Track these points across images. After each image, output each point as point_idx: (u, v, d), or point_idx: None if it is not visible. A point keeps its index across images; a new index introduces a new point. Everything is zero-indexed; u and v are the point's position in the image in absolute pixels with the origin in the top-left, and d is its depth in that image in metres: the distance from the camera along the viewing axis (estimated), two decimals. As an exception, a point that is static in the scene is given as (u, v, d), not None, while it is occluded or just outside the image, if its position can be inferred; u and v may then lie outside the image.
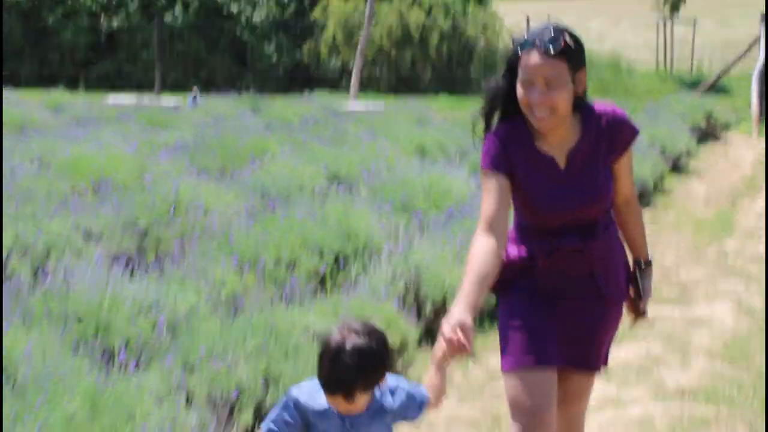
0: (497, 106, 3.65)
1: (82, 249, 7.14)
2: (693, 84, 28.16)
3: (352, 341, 3.14)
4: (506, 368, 3.62)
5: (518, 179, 3.63)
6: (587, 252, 3.65)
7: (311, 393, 3.22)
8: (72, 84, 28.05)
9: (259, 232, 7.16)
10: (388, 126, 14.94)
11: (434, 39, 28.39)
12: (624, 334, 6.65)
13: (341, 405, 3.17)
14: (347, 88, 26.84)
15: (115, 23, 29.60)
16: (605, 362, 3.82)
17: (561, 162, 3.65)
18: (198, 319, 5.56)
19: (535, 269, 3.66)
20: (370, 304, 6.06)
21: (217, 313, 5.83)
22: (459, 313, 3.33)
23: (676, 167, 13.86)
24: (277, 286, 6.59)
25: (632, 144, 3.69)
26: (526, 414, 3.58)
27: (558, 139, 3.63)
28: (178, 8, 29.46)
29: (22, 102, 18.36)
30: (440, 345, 3.29)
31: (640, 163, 11.80)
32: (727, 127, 18.43)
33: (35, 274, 6.65)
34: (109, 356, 4.99)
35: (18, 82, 27.17)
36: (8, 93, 20.27)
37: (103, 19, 29.66)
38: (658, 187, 12.43)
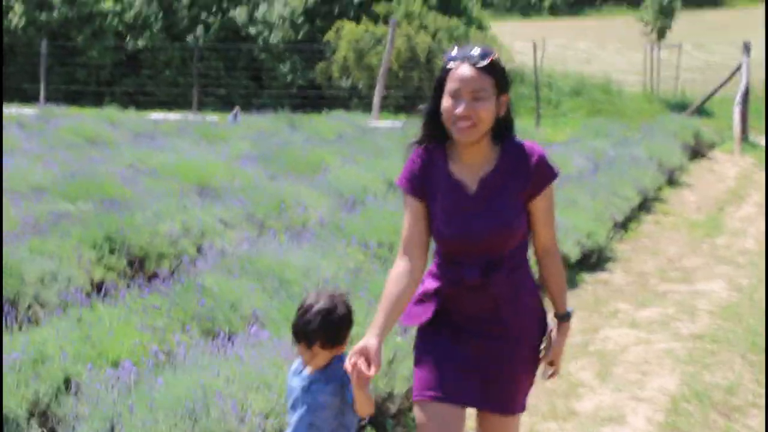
0: (432, 132, 3.67)
1: (222, 233, 9.19)
2: (677, 106, 30.23)
3: (321, 302, 3.62)
4: (413, 397, 3.72)
5: (430, 202, 3.67)
6: (489, 288, 3.62)
7: (297, 359, 3.77)
8: (97, 101, 30.03)
9: (362, 221, 9.21)
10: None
11: (440, 61, 30.45)
12: (646, 300, 8.79)
13: (305, 356, 3.64)
14: (358, 108, 28.90)
15: (140, 43, 31.53)
16: (522, 408, 3.75)
17: (471, 187, 3.65)
18: (335, 280, 7.61)
19: (446, 302, 3.67)
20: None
21: (346, 278, 7.86)
22: (365, 338, 3.49)
23: (671, 180, 15.98)
24: (381, 261, 8.62)
25: (549, 185, 3.67)
26: None
27: (473, 162, 3.65)
28: (200, 29, 31.46)
29: (77, 116, 20.32)
30: (350, 367, 3.45)
31: (640, 174, 13.95)
32: (712, 146, 20.60)
33: (198, 250, 8.71)
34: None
35: (45, 99, 29.13)
36: (59, 109, 22.27)
37: (128, 39, 31.58)
38: (656, 196, 14.56)
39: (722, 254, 11.03)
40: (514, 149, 3.64)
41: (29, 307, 6.79)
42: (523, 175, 3.61)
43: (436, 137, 3.65)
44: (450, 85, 3.56)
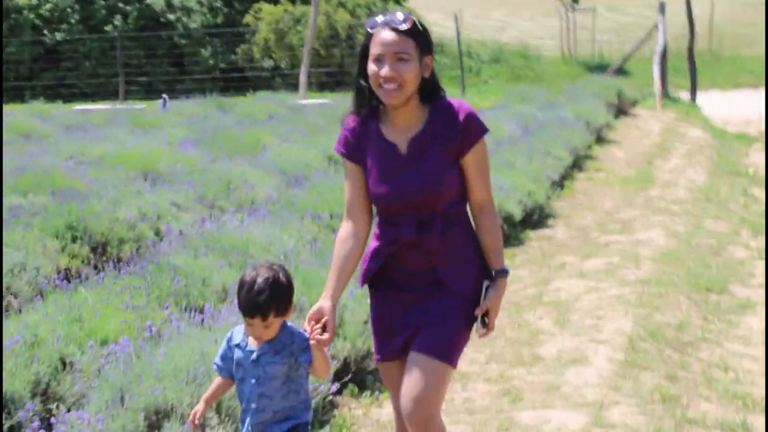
0: (362, 100, 3.76)
1: (177, 215, 9.39)
2: (596, 67, 30.86)
3: (263, 274, 3.65)
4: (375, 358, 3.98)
5: (366, 165, 3.77)
6: (424, 245, 3.72)
7: (237, 331, 3.79)
8: (17, 96, 29.80)
9: (312, 196, 9.47)
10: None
11: (360, 38, 30.72)
12: (590, 251, 9.18)
13: (257, 330, 3.66)
14: (281, 87, 29.05)
15: (57, 36, 31.28)
16: (452, 362, 3.72)
17: (402, 148, 3.74)
18: (297, 252, 7.87)
19: (387, 261, 3.77)
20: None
21: (306, 250, 8.13)
22: (319, 301, 3.67)
23: (599, 138, 16.46)
24: (334, 231, 8.89)
25: (479, 141, 3.73)
26: (391, 394, 3.94)
27: (403, 124, 3.75)
28: (118, 19, 31.30)
29: (6, 112, 20.22)
30: (307, 331, 3.63)
31: (570, 135, 14.39)
32: (634, 103, 21.17)
33: (156, 233, 8.91)
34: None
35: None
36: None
37: (46, 33, 31.31)
38: (586, 154, 15.01)
39: (656, 205, 11.48)
40: (442, 109, 3.72)
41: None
42: (452, 132, 3.68)
43: (367, 104, 3.74)
44: (374, 50, 3.65)
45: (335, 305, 3.67)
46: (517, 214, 9.93)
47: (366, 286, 3.87)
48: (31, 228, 8.00)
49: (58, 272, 7.68)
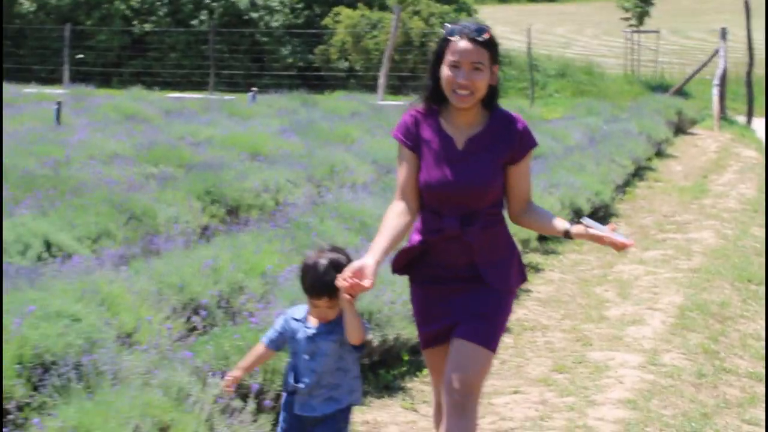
0: (429, 97, 4.02)
1: (292, 190, 10.87)
2: (657, 87, 32.00)
3: (327, 256, 3.94)
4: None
5: (421, 154, 4.01)
6: (465, 239, 3.97)
7: (298, 309, 4.10)
8: (105, 82, 31.54)
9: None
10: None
11: (433, 45, 32.19)
12: (648, 245, 10.53)
13: (322, 311, 3.94)
14: (355, 88, 30.55)
15: (146, 27, 33.04)
16: (493, 348, 4.00)
17: (459, 143, 4.00)
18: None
19: (428, 253, 4.03)
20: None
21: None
22: (363, 258, 3.85)
23: (659, 152, 17.77)
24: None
25: (530, 152, 4.04)
26: (435, 383, 4.25)
27: (464, 122, 4.01)
28: (203, 14, 33.00)
29: (107, 96, 21.91)
30: (341, 287, 3.82)
31: (633, 146, 15.72)
32: (693, 123, 22.43)
33: (275, 203, 10.39)
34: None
35: (56, 80, 30.68)
36: (88, 89, 23.85)
37: (135, 23, 33.08)
38: (647, 165, 16.34)
39: (709, 212, 12.81)
40: (501, 116, 4.02)
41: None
42: (508, 140, 3.98)
43: (434, 101, 4.02)
44: (451, 57, 3.92)
45: (378, 264, 3.84)
46: (586, 209, 11.30)
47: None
48: (179, 190, 9.51)
49: (201, 228, 9.19)
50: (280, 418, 4.15)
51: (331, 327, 3.96)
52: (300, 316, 4.04)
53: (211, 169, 10.63)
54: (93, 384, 4.77)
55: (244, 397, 4.92)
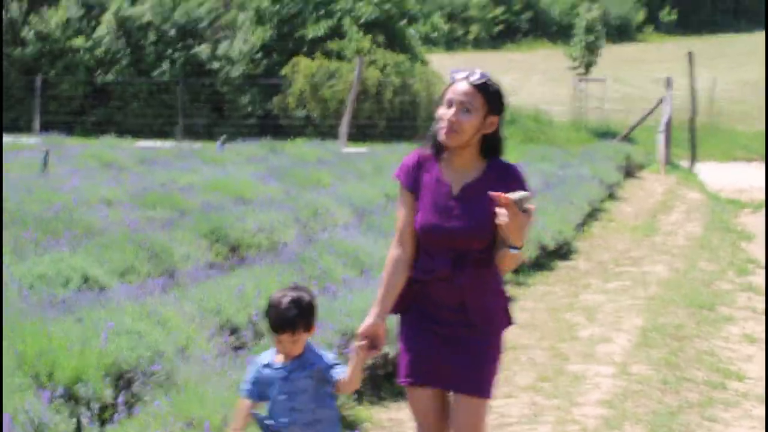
0: (433, 141, 4.18)
1: (283, 230, 11.84)
2: (603, 134, 33.47)
3: (290, 294, 4.09)
4: (399, 381, 4.31)
5: (419, 196, 4.16)
6: (457, 280, 4.09)
7: (266, 354, 4.20)
8: (66, 129, 32.34)
9: (389, 220, 11.91)
10: (393, 162, 19.81)
11: (388, 94, 33.42)
12: (608, 277, 11.63)
13: (286, 346, 4.05)
14: (313, 135, 31.60)
15: (108, 77, 33.93)
16: (489, 394, 4.16)
17: (455, 190, 4.14)
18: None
19: (420, 293, 4.16)
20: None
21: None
22: (371, 320, 4.12)
23: (611, 194, 19.00)
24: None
25: None
26: (416, 421, 4.31)
27: (459, 167, 4.16)
28: (165, 64, 33.99)
29: (82, 145, 22.76)
30: (356, 347, 4.04)
31: (587, 189, 16.89)
32: (641, 167, 23.79)
33: (272, 242, 11.35)
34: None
35: (21, 129, 31.46)
36: (59, 138, 24.68)
37: (98, 73, 33.96)
38: (600, 207, 17.54)
39: (660, 248, 13.97)
40: (498, 166, 4.16)
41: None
42: (502, 187, 4.03)
43: (438, 146, 4.18)
44: (447, 95, 4.12)
45: (384, 323, 4.15)
46: (551, 245, 12.40)
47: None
48: (186, 230, 10.45)
49: (208, 264, 10.14)
50: None
51: (302, 362, 4.11)
52: (268, 360, 4.18)
53: (212, 212, 11.59)
54: (165, 387, 5.72)
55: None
